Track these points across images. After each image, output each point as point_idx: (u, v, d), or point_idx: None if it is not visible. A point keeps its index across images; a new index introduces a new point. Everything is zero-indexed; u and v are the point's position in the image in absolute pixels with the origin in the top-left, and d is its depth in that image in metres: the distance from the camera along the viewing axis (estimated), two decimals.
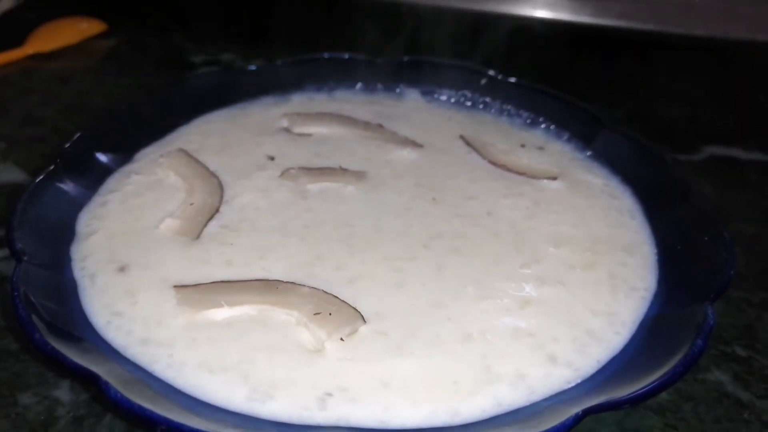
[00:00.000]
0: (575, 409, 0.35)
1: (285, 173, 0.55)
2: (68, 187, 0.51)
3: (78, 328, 0.41)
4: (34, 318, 0.38)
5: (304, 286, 0.44)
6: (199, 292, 0.43)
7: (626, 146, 0.60)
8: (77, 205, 0.51)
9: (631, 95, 0.85)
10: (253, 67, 0.67)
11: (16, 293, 0.39)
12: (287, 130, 0.62)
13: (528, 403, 0.38)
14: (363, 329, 0.42)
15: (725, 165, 0.72)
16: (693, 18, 0.95)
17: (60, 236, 0.48)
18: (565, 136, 0.64)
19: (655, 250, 0.51)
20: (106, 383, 0.34)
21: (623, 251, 0.51)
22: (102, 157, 0.55)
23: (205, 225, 0.49)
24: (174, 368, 0.39)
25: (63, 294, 0.43)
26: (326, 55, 0.69)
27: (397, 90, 0.69)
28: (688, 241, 0.50)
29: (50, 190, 0.49)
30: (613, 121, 0.62)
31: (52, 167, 0.50)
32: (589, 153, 0.62)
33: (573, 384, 0.40)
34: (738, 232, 0.58)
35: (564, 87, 0.67)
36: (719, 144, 0.75)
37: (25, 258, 0.42)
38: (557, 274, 0.47)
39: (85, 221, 0.50)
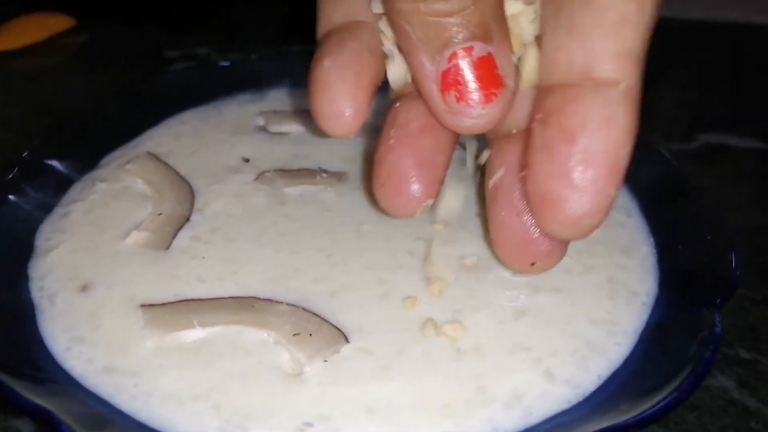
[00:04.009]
0: None
1: (260, 176, 0.52)
2: (27, 198, 0.47)
3: (33, 356, 0.37)
4: None
5: (282, 303, 0.40)
6: (169, 311, 0.40)
7: None
8: (37, 218, 0.47)
9: None
10: (226, 63, 0.63)
11: None
12: (263, 129, 0.59)
13: (525, 427, 0.36)
14: (345, 348, 0.39)
15: (720, 154, 0.70)
16: (685, 1, 0.92)
17: (17, 253, 0.44)
18: None
19: (654, 251, 0.48)
20: (60, 421, 0.31)
21: (621, 253, 0.48)
22: (64, 165, 0.51)
23: (174, 236, 0.46)
24: (139, 400, 0.36)
25: (18, 318, 0.40)
26: (302, 48, 0.65)
27: (380, 84, 0.65)
28: (689, 241, 0.47)
29: (6, 202, 0.46)
30: None
31: (9, 176, 0.47)
32: None
33: (574, 403, 0.37)
34: (737, 225, 0.56)
35: None
36: (713, 132, 0.72)
37: None
38: (553, 281, 0.44)
39: (45, 235, 0.46)
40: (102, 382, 0.37)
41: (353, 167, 0.54)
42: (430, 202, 0.33)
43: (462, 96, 0.29)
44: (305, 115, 0.60)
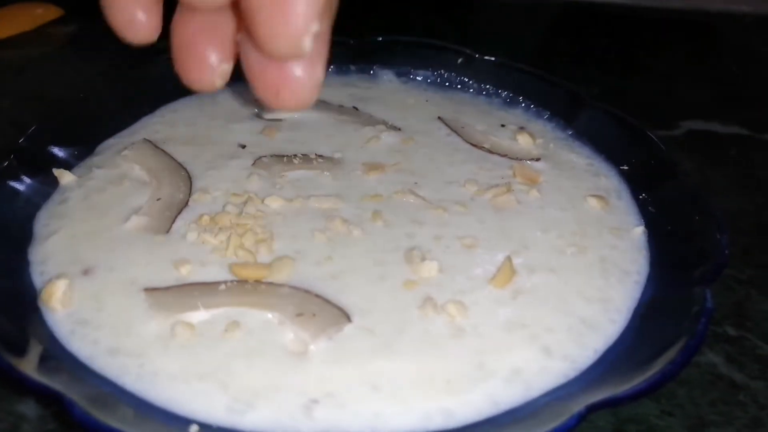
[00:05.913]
0: (575, 406, 0.33)
1: (257, 162, 0.52)
2: (24, 184, 0.47)
3: (39, 339, 0.38)
4: None
5: (284, 285, 0.41)
6: (173, 294, 0.40)
7: (608, 124, 0.58)
8: (34, 204, 0.47)
9: (605, 71, 0.83)
10: None
11: None
12: (258, 116, 0.59)
13: (525, 401, 0.37)
14: (348, 327, 0.39)
15: (704, 140, 0.71)
16: None
17: (16, 238, 0.44)
18: (546, 114, 0.62)
19: (645, 231, 0.50)
20: (71, 402, 0.31)
21: (612, 234, 0.49)
22: (60, 151, 0.51)
23: (174, 220, 0.46)
24: (146, 380, 0.36)
25: (21, 302, 0.40)
26: None
27: (371, 71, 0.66)
28: (678, 221, 0.48)
29: (4, 189, 0.46)
30: (593, 99, 0.60)
31: (5, 164, 0.47)
32: (570, 132, 0.60)
33: (571, 377, 0.38)
34: (720, 208, 0.57)
35: (536, 64, 0.65)
36: (697, 119, 0.73)
37: None
38: (547, 261, 0.46)
39: (43, 221, 0.46)
40: (108, 363, 0.37)
41: (347, 152, 0.55)
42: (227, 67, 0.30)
43: None
44: None
